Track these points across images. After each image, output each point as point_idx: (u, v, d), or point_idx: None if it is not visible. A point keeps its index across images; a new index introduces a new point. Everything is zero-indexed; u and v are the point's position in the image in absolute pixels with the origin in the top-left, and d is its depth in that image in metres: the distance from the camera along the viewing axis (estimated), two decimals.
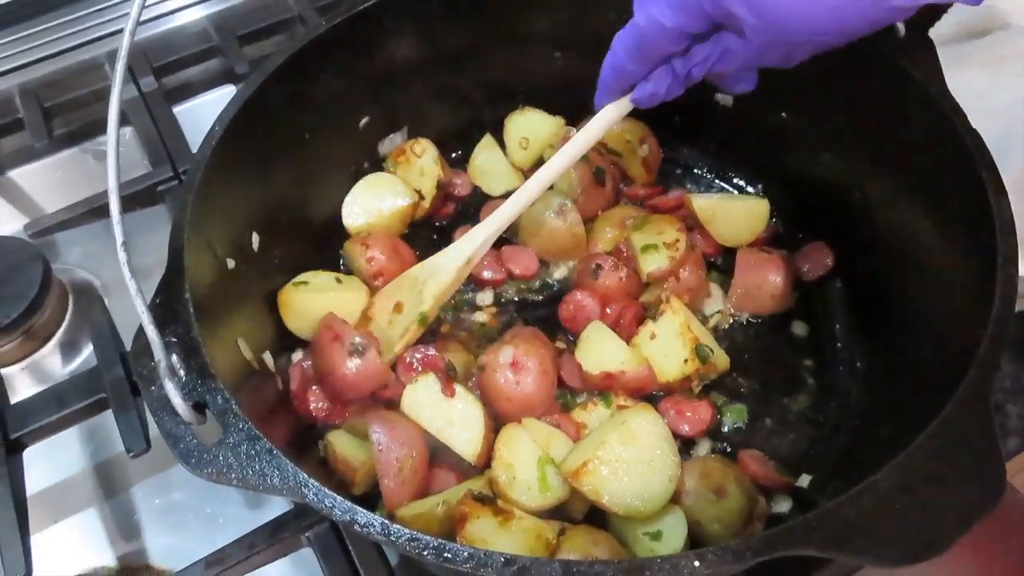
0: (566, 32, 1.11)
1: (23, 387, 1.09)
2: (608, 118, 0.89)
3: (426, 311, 0.97)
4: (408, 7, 1.02)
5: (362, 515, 0.62)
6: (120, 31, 0.76)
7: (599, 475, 0.80)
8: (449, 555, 0.60)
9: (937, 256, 0.85)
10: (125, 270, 0.70)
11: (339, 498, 0.63)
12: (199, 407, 0.69)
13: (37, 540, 0.93)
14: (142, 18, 1.41)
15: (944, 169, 0.84)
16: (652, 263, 0.99)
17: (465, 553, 0.60)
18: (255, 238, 0.93)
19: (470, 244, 0.97)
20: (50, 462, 1.02)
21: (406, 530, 0.61)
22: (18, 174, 1.32)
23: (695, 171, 1.21)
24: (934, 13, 1.24)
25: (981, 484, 0.62)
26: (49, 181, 1.32)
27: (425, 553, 0.60)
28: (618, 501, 0.80)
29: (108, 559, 0.96)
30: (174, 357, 0.70)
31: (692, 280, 1.01)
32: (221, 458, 0.65)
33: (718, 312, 1.04)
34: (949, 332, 0.78)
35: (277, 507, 0.93)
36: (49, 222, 1.19)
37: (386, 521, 0.61)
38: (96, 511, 0.99)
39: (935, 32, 1.25)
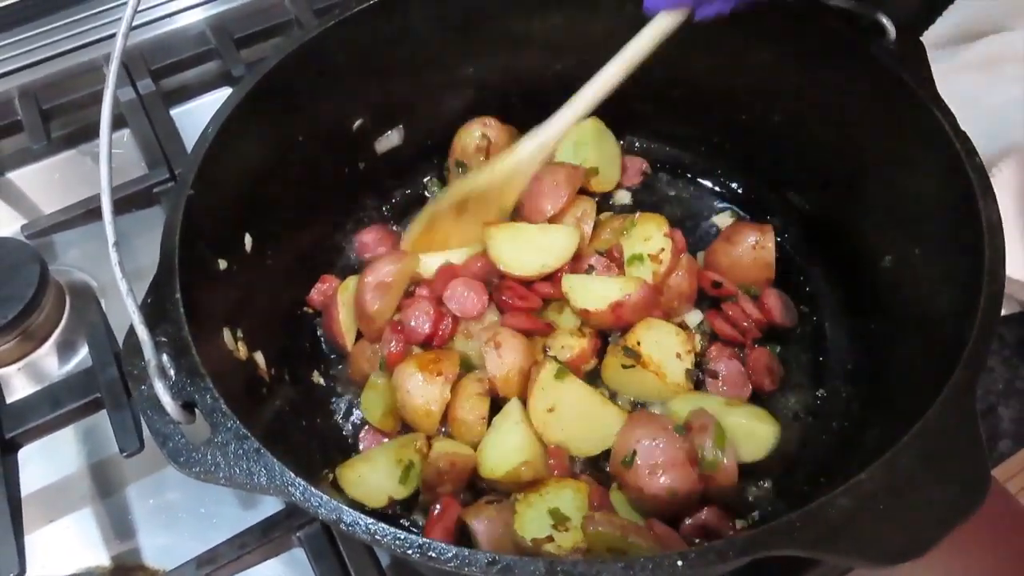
0: (559, 36, 1.11)
1: (20, 387, 1.10)
2: (662, 28, 0.84)
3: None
4: (401, 10, 1.03)
5: (348, 514, 0.62)
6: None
7: None
8: (433, 554, 0.60)
9: (926, 257, 0.86)
10: (116, 270, 0.70)
11: (325, 497, 0.63)
12: (188, 406, 0.69)
13: (31, 539, 0.94)
14: (140, 21, 1.44)
15: (933, 171, 0.84)
16: (637, 275, 1.00)
17: (450, 552, 0.60)
18: (248, 239, 0.94)
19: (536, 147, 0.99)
20: (45, 462, 1.02)
21: (391, 529, 0.61)
22: (16, 176, 1.33)
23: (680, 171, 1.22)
24: (927, 15, 1.25)
25: (964, 486, 0.62)
26: (47, 183, 1.32)
27: (410, 552, 0.60)
28: None
29: (102, 558, 0.96)
30: (164, 356, 0.71)
31: (684, 285, 1.01)
32: (209, 457, 0.66)
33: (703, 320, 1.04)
34: (937, 333, 0.79)
35: (271, 507, 0.93)
36: (46, 223, 1.20)
37: (372, 521, 0.62)
38: (91, 511, 1.00)
39: (931, 35, 1.25)
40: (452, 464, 0.86)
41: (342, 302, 1.02)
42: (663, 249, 1.01)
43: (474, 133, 1.15)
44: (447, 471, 0.86)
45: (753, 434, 0.91)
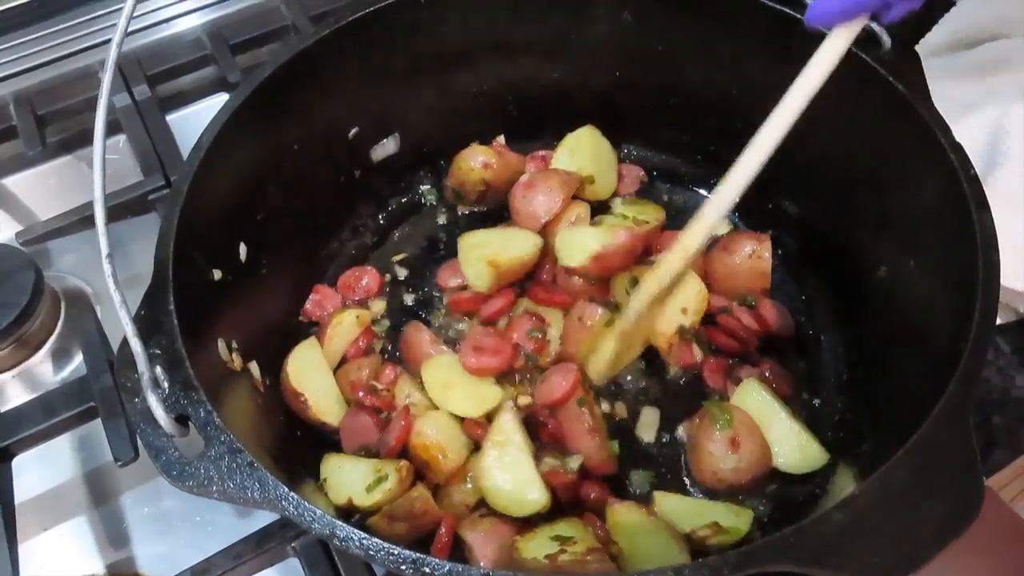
0: (556, 44, 1.11)
1: (14, 394, 1.10)
2: (838, 49, 0.74)
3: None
4: (397, 18, 1.02)
5: (341, 529, 0.62)
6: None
7: None
8: (427, 569, 0.60)
9: (921, 268, 0.86)
10: (110, 282, 0.70)
11: (319, 512, 0.63)
12: (182, 419, 0.69)
13: (26, 548, 0.94)
14: (136, 26, 1.44)
15: (928, 181, 0.84)
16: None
17: (444, 568, 0.60)
18: (243, 249, 0.93)
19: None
20: (40, 470, 1.02)
21: (384, 544, 0.61)
22: (11, 182, 1.32)
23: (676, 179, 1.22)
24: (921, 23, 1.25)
25: (958, 501, 0.62)
26: (42, 189, 1.32)
27: (403, 567, 0.60)
28: None
29: (97, 567, 0.96)
30: (158, 369, 0.70)
31: None
32: (202, 471, 0.66)
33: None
34: (931, 345, 0.79)
35: (266, 516, 0.93)
36: (41, 230, 1.20)
37: (365, 536, 0.61)
38: (85, 519, 0.99)
39: (926, 43, 1.25)
40: (425, 513, 0.84)
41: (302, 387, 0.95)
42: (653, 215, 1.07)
43: (473, 160, 1.12)
44: (418, 515, 0.84)
45: (805, 447, 0.89)
